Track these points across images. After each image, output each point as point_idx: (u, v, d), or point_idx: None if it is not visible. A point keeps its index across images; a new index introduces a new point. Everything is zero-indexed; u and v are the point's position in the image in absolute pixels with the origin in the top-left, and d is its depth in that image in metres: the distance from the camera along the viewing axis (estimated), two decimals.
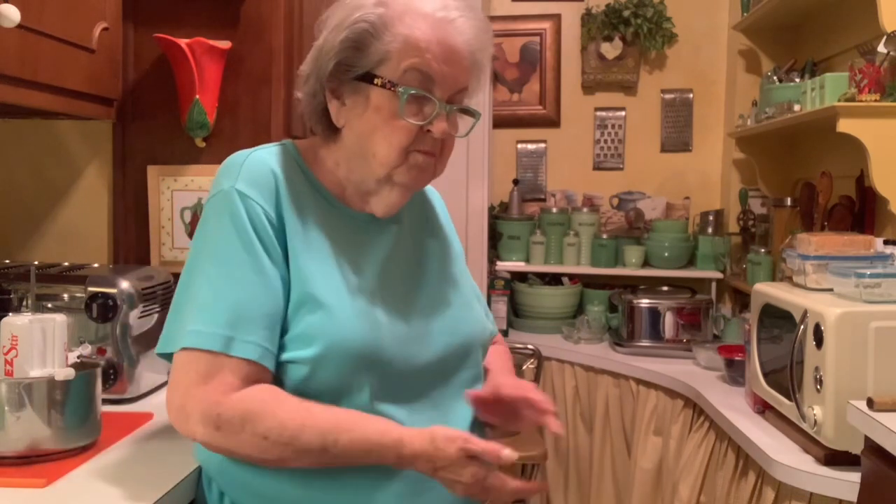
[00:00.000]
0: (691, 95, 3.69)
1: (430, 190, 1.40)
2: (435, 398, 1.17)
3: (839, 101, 2.27)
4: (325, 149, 1.21)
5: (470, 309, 1.29)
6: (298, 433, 1.03)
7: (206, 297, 1.08)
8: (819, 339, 1.75)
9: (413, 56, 1.11)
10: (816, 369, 1.76)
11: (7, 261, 1.97)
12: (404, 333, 1.15)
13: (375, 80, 1.12)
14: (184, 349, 1.06)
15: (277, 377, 1.11)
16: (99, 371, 1.35)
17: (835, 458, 1.74)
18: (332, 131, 1.20)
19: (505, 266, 3.49)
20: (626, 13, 3.54)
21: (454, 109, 1.16)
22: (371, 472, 1.10)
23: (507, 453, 1.03)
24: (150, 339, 1.63)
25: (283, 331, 1.11)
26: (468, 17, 1.15)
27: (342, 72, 1.14)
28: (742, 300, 3.34)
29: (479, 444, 1.04)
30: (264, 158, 1.17)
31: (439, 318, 1.21)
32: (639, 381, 2.85)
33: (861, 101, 2.21)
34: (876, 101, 2.20)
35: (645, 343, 3.03)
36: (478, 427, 1.24)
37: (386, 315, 1.14)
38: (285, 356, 1.10)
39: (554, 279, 3.55)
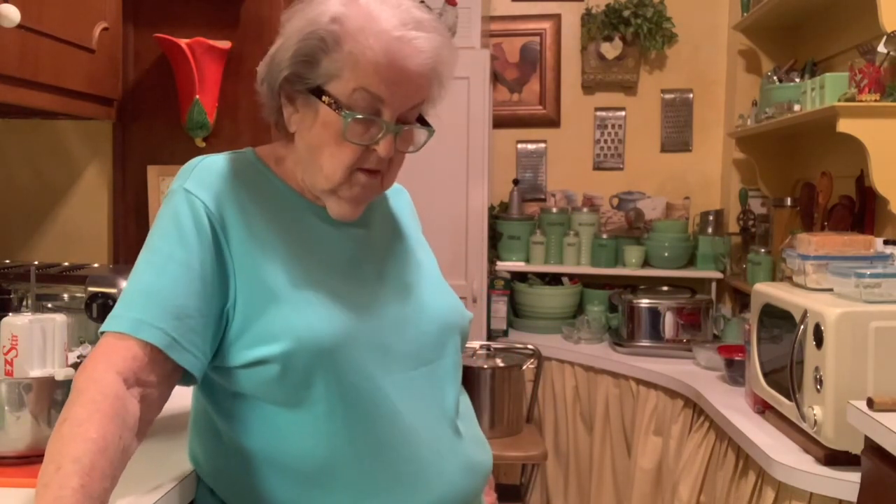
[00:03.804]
0: (691, 95, 3.69)
1: (399, 188, 1.40)
2: (418, 386, 1.17)
3: (839, 101, 2.27)
4: (285, 148, 1.21)
5: (445, 296, 1.29)
6: (53, 446, 0.93)
7: (130, 285, 1.08)
8: (819, 339, 1.75)
9: (362, 78, 1.08)
10: (816, 369, 1.76)
11: (7, 261, 1.97)
12: (377, 323, 1.14)
13: (324, 98, 1.10)
14: (102, 333, 1.06)
15: (245, 385, 1.10)
16: None
17: (835, 458, 1.74)
18: (288, 132, 1.19)
19: (505, 266, 3.49)
20: (626, 13, 3.54)
21: (402, 129, 1.12)
22: (368, 471, 1.10)
23: None
24: None
25: (234, 333, 1.09)
26: (428, 35, 1.10)
27: (294, 82, 1.13)
28: (742, 300, 3.34)
29: None
30: (217, 161, 1.17)
31: (414, 307, 1.20)
32: (639, 381, 2.85)
33: (861, 101, 2.21)
34: (876, 101, 2.20)
35: (645, 343, 3.03)
36: (464, 415, 1.24)
37: (356, 306, 1.13)
38: (251, 356, 1.08)
39: (554, 279, 3.56)
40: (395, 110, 1.11)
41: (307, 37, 1.09)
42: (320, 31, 1.08)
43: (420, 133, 1.16)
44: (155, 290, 1.06)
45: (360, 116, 1.09)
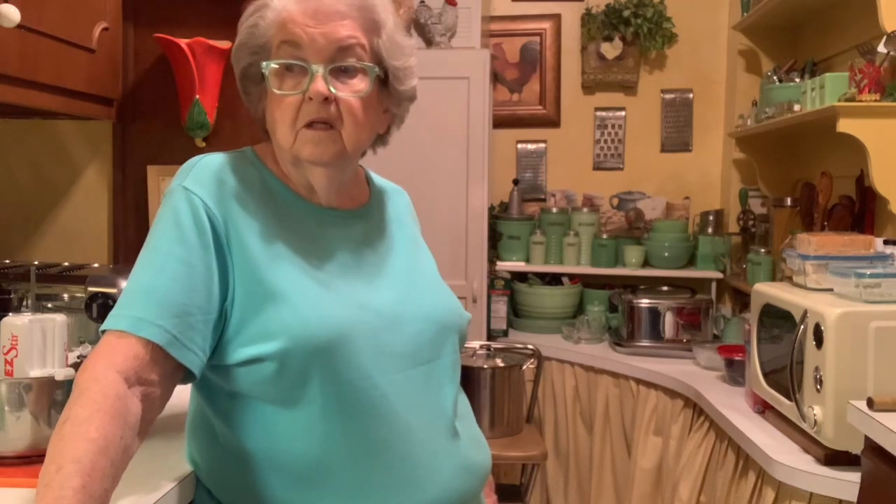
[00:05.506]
0: (691, 95, 3.69)
1: (398, 189, 1.40)
2: (415, 385, 1.17)
3: (839, 101, 2.27)
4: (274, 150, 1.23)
5: (442, 296, 1.29)
6: (54, 446, 0.93)
7: (130, 284, 1.09)
8: (819, 339, 1.75)
9: (282, 32, 1.13)
10: (816, 369, 1.76)
11: (7, 261, 1.97)
12: (374, 322, 1.14)
13: (263, 71, 1.15)
14: (103, 332, 1.06)
15: (241, 384, 1.10)
16: None
17: (835, 458, 1.74)
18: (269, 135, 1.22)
19: (505, 266, 3.49)
20: (626, 13, 3.54)
21: (328, 69, 1.12)
22: (364, 472, 1.10)
23: None
24: None
25: (231, 331, 1.09)
26: None
27: (255, 80, 1.18)
28: (742, 300, 3.34)
29: None
30: (216, 160, 1.18)
31: (411, 307, 1.20)
32: (639, 381, 2.85)
33: (861, 101, 2.21)
34: (876, 101, 2.21)
35: (645, 343, 3.03)
36: (462, 416, 1.24)
37: (352, 305, 1.14)
38: (247, 354, 1.08)
39: (554, 279, 3.56)
40: (318, 53, 1.12)
41: (246, 29, 1.17)
42: (253, 18, 1.16)
43: (357, 73, 1.14)
44: (155, 289, 1.06)
45: (278, 62, 1.14)
